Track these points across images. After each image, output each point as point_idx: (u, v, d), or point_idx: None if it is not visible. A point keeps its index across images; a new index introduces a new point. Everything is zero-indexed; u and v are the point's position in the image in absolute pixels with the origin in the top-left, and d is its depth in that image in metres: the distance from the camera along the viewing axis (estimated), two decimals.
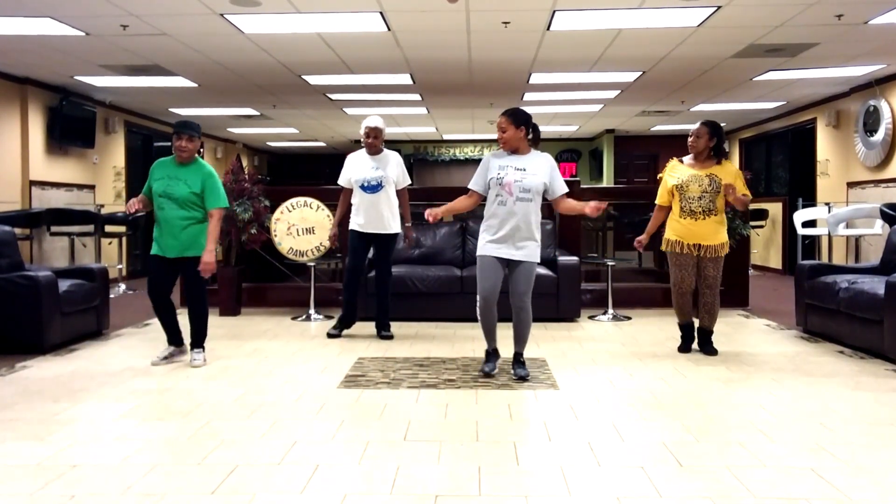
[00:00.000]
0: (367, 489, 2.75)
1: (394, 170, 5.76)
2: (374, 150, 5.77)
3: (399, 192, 5.80)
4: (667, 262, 5.24)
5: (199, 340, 4.95)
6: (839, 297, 5.37)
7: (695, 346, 5.29)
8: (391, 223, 5.73)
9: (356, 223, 5.75)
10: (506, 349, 4.66)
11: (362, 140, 5.80)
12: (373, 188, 5.68)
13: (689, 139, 5.09)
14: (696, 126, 5.09)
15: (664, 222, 5.20)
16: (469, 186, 4.52)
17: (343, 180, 5.87)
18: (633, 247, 5.42)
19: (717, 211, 4.98)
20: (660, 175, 5.29)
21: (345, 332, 5.93)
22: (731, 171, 5.04)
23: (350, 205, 5.83)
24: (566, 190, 4.41)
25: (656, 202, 5.21)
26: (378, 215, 5.69)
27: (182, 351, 5.01)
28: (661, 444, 3.26)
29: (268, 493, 2.72)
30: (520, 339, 4.51)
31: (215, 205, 4.78)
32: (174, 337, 4.99)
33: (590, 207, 4.22)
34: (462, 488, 2.75)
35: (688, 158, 5.16)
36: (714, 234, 4.98)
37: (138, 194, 4.93)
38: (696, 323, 5.28)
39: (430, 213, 4.42)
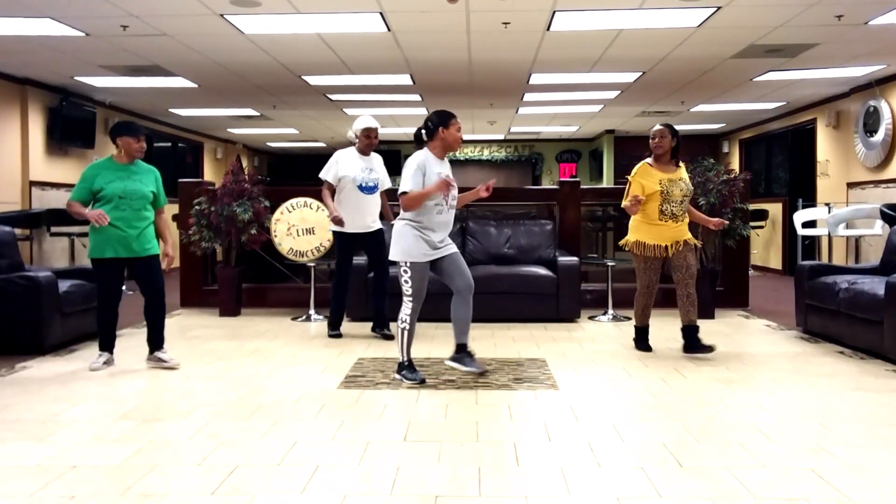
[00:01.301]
0: (367, 489, 2.75)
1: (383, 171, 5.91)
2: (369, 151, 5.83)
3: (381, 193, 5.91)
4: (667, 266, 5.25)
5: (161, 342, 4.87)
6: (839, 298, 5.37)
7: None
8: (376, 221, 5.83)
9: (345, 224, 5.75)
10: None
11: (360, 140, 5.77)
12: (370, 189, 5.74)
13: (654, 140, 5.12)
14: (656, 128, 5.15)
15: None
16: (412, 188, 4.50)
17: (331, 176, 5.72)
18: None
19: (687, 212, 5.19)
20: (630, 176, 5.19)
21: (343, 332, 5.94)
22: (685, 175, 5.20)
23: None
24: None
25: (624, 203, 5.14)
26: (368, 215, 5.76)
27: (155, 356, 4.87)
28: (661, 444, 3.26)
29: (268, 493, 2.72)
30: (467, 329, 4.49)
31: (164, 203, 4.94)
32: (112, 342, 4.87)
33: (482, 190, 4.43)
34: (462, 489, 2.75)
35: (652, 160, 5.17)
36: (686, 232, 5.15)
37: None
38: (681, 322, 5.15)
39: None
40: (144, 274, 4.77)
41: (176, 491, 2.74)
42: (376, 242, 5.81)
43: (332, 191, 5.78)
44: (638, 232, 5.12)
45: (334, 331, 5.93)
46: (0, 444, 3.29)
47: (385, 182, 5.90)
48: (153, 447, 3.24)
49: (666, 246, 5.06)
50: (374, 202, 5.80)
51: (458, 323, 4.44)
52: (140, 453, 3.15)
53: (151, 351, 4.86)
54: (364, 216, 5.73)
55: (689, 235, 5.14)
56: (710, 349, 5.03)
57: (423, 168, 4.27)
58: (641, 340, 5.38)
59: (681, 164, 5.21)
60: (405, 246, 4.30)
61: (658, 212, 5.05)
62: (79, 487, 2.77)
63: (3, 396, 4.10)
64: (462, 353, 4.48)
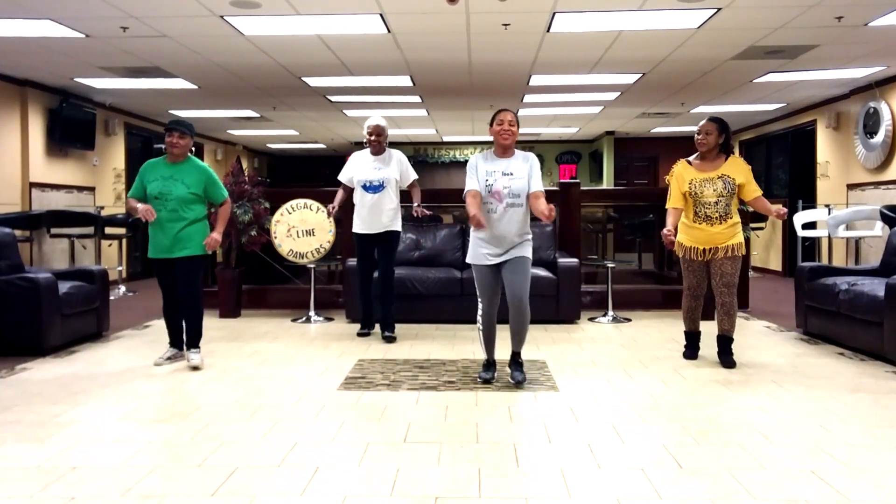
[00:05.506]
0: (367, 491, 2.75)
1: (395, 169, 5.82)
2: (377, 150, 5.83)
3: (410, 187, 5.92)
4: (670, 265, 5.21)
5: (195, 340, 4.94)
6: (839, 299, 5.37)
7: (703, 353, 5.20)
8: (392, 222, 5.79)
9: (357, 225, 5.81)
10: (501, 352, 4.62)
11: (365, 140, 5.87)
12: (374, 188, 5.73)
13: (698, 137, 4.89)
14: (702, 123, 4.90)
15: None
16: (471, 188, 4.32)
17: (344, 177, 5.95)
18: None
19: (733, 214, 4.82)
20: (668, 177, 5.06)
21: (351, 333, 5.97)
22: (741, 167, 4.84)
23: (348, 194, 5.94)
24: (539, 189, 4.25)
25: (668, 206, 4.94)
26: (379, 216, 5.74)
27: (184, 355, 5.01)
28: (660, 445, 3.26)
29: (268, 494, 2.72)
30: (518, 339, 4.40)
31: (223, 196, 5.01)
32: (179, 339, 5.01)
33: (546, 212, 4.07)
34: (462, 490, 2.75)
35: (695, 158, 4.95)
36: (731, 235, 4.81)
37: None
38: (717, 330, 5.04)
39: (475, 221, 4.22)
40: (178, 274, 4.87)
41: (176, 492, 2.74)
42: (387, 243, 5.82)
43: (348, 192, 5.93)
44: (680, 233, 4.93)
45: (362, 330, 5.99)
46: (0, 445, 3.29)
47: (403, 178, 5.87)
48: (153, 448, 3.24)
49: (704, 249, 4.81)
50: (386, 202, 5.73)
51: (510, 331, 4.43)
52: (140, 455, 3.15)
53: (187, 347, 5.00)
54: (373, 217, 5.73)
55: (732, 241, 4.78)
56: (731, 364, 4.87)
57: (474, 168, 4.35)
58: (689, 347, 5.16)
59: (732, 157, 4.86)
60: (469, 248, 4.43)
61: (693, 214, 4.84)
62: (79, 489, 2.77)
63: (2, 398, 4.10)
64: (511, 362, 4.49)
